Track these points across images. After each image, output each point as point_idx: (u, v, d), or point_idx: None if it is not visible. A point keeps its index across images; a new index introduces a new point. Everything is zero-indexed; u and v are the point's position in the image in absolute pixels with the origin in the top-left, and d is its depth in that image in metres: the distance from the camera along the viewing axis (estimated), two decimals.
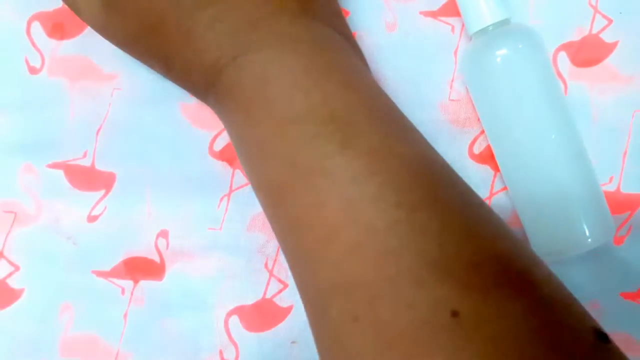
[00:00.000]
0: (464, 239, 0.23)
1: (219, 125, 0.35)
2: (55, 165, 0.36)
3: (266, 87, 0.25)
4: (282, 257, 0.35)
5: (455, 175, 0.26)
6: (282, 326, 0.35)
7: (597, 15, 0.35)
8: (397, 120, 0.26)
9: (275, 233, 0.27)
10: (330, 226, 0.24)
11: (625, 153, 0.35)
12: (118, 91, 0.36)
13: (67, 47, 0.36)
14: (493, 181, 0.35)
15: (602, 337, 0.22)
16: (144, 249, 0.35)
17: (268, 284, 0.35)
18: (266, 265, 0.35)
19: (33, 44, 0.36)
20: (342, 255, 0.23)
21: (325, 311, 0.24)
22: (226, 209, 0.36)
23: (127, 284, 0.36)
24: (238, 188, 0.35)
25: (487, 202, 0.35)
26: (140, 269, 0.35)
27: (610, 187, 0.35)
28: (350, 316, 0.23)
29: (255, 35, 0.26)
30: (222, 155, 0.35)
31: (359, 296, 0.23)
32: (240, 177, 0.35)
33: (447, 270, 0.22)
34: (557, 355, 0.21)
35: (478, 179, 0.35)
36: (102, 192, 0.36)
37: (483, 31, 0.32)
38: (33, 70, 0.36)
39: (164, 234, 0.35)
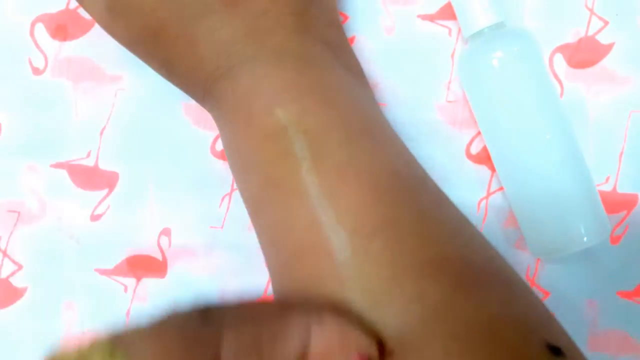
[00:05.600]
0: (414, 268, 0.23)
1: None
2: (59, 165, 0.36)
3: (251, 100, 0.26)
4: None
5: (423, 186, 0.26)
6: None
7: (593, 17, 0.35)
8: (373, 133, 0.27)
9: (259, 242, 0.28)
10: (297, 247, 0.24)
11: (621, 153, 0.35)
12: (121, 92, 0.36)
13: (70, 48, 0.36)
14: (490, 181, 0.35)
15: (554, 351, 0.22)
16: (147, 247, 0.36)
17: (268, 282, 0.36)
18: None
19: (36, 45, 0.36)
20: (304, 280, 0.24)
21: None
22: (227, 208, 0.36)
23: (130, 281, 0.36)
24: None
25: (485, 201, 0.35)
26: (143, 266, 0.36)
27: (607, 187, 0.35)
28: None
29: (250, 48, 0.27)
30: (224, 155, 0.36)
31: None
32: None
33: (389, 303, 0.23)
34: None
35: (475, 179, 0.35)
36: (106, 191, 0.36)
37: (479, 34, 0.33)
38: (36, 72, 0.36)
39: (166, 232, 0.36)
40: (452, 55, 0.35)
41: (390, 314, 0.22)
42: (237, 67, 0.27)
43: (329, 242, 0.23)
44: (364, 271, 0.23)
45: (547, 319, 0.24)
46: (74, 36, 0.36)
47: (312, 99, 0.26)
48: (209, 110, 0.30)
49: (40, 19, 0.36)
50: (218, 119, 0.29)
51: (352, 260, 0.23)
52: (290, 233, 0.25)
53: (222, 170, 0.36)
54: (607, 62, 0.35)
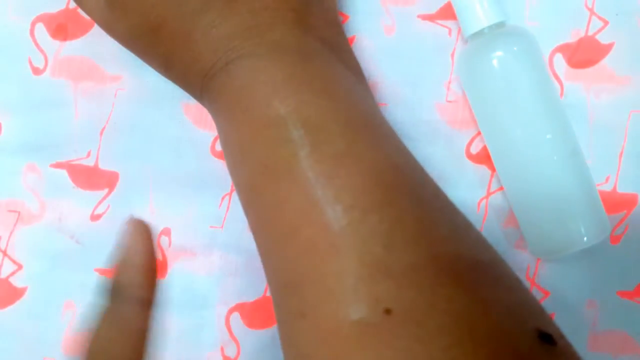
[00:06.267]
0: (410, 242, 0.23)
1: None
2: (58, 165, 0.36)
3: (249, 93, 0.26)
4: None
5: (422, 180, 0.26)
6: None
7: (593, 17, 0.35)
8: (371, 127, 0.27)
9: (252, 233, 0.28)
10: (290, 225, 0.24)
11: (621, 153, 0.35)
12: (121, 92, 0.36)
13: (70, 48, 0.36)
14: (490, 181, 0.35)
15: (545, 339, 0.22)
16: None
17: None
18: None
19: (37, 45, 0.36)
20: (297, 254, 0.24)
21: (280, 309, 0.25)
22: (227, 208, 0.36)
23: None
24: None
25: (485, 201, 0.35)
26: None
27: (607, 187, 0.35)
28: (298, 313, 0.23)
29: (248, 43, 0.27)
30: (223, 155, 0.36)
31: (307, 293, 0.23)
32: None
33: (386, 270, 0.22)
34: (488, 356, 0.21)
35: (475, 179, 0.35)
36: (105, 191, 0.36)
37: (479, 34, 0.33)
38: (36, 71, 0.36)
39: (166, 232, 0.36)
40: (452, 55, 0.35)
41: (387, 280, 0.22)
42: (235, 61, 0.27)
43: (325, 216, 0.23)
44: (361, 238, 0.23)
45: (539, 311, 0.24)
46: (74, 36, 0.36)
47: (311, 92, 0.26)
48: (207, 106, 0.30)
49: (40, 18, 0.36)
50: (216, 112, 0.29)
51: (348, 229, 0.23)
52: (284, 212, 0.25)
53: (222, 170, 0.36)
54: (607, 62, 0.35)
